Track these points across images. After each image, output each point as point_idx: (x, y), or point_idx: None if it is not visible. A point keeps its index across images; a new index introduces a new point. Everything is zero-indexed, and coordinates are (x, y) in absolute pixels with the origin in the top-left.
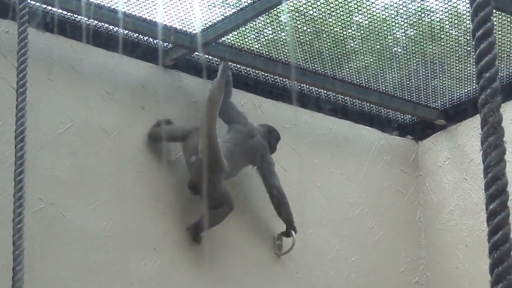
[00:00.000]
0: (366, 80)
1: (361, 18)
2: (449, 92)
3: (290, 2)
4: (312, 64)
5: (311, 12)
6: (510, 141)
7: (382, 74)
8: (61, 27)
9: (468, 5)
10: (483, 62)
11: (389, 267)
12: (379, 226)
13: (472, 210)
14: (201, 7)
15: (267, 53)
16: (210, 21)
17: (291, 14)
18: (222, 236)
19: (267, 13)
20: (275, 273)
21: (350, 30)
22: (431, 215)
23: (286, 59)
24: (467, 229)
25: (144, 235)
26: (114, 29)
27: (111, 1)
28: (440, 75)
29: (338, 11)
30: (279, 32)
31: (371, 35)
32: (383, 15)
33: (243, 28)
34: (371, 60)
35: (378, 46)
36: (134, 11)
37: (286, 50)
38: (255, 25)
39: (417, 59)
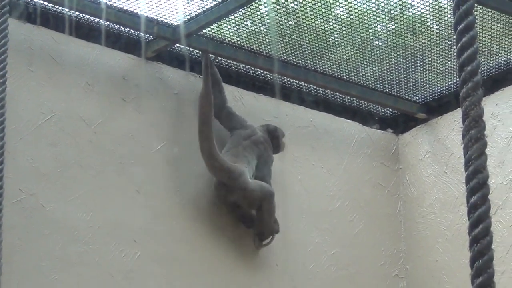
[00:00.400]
0: (347, 73)
1: (342, 11)
2: (430, 85)
3: None
4: (294, 57)
5: (292, 5)
6: (491, 135)
7: (363, 67)
8: (42, 18)
9: None
10: (465, 55)
11: (369, 260)
12: (359, 219)
13: (452, 203)
14: None
15: (248, 46)
16: (192, 13)
17: (272, 7)
18: (202, 228)
19: (248, 5)
20: (254, 265)
21: (331, 23)
22: (411, 208)
23: (267, 51)
24: (447, 222)
25: (124, 227)
26: (95, 20)
27: None
28: (421, 69)
29: (318, 4)
30: (260, 24)
31: (352, 28)
32: (364, 8)
33: (225, 20)
34: (352, 53)
35: (359, 40)
36: (115, 3)
37: (267, 43)
38: (237, 17)
39: (398, 53)
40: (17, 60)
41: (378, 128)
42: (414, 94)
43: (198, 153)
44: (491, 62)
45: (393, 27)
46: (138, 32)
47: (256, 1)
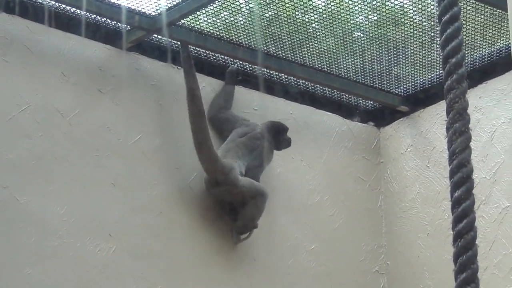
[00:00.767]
0: (328, 65)
1: (323, 2)
2: (412, 78)
3: None
4: (274, 49)
5: None
6: (474, 128)
7: (344, 59)
8: (19, 8)
9: None
10: (450, 47)
11: (349, 255)
12: (339, 213)
13: (434, 198)
14: None
15: (228, 37)
16: (170, 3)
17: None
18: (179, 222)
19: None
20: (232, 261)
21: (311, 14)
22: (392, 203)
23: (247, 43)
24: (429, 217)
25: (99, 221)
26: (72, 10)
27: None
28: (403, 61)
29: None
30: (239, 15)
31: (333, 19)
32: None
33: (203, 11)
34: (333, 44)
35: (340, 31)
36: None
37: (246, 34)
38: (215, 7)
39: (380, 44)
40: None
41: (359, 121)
42: (396, 86)
43: (176, 146)
44: (474, 54)
45: (375, 18)
46: (115, 23)
47: None
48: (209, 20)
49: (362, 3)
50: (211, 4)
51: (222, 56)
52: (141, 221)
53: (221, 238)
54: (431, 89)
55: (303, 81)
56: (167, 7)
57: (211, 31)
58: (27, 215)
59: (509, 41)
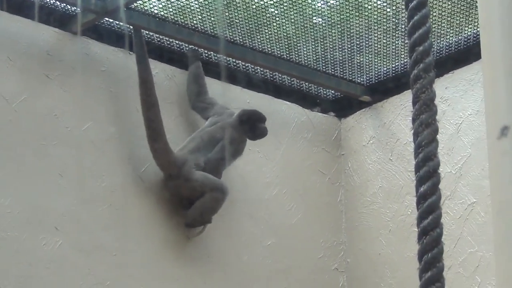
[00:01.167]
0: (288, 53)
1: None
2: (375, 67)
3: None
4: (231, 34)
5: None
6: (440, 120)
7: (304, 46)
8: None
9: None
10: (417, 34)
11: (307, 252)
12: (297, 208)
13: (397, 193)
14: None
15: (183, 22)
16: None
17: None
18: (130, 215)
19: None
20: (184, 257)
21: None
22: (353, 197)
23: (202, 28)
24: (391, 213)
25: (45, 213)
26: None
27: None
28: (366, 49)
29: None
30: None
31: (291, 4)
32: None
33: None
34: (292, 31)
35: (299, 16)
36: None
37: (202, 19)
38: None
39: (341, 31)
40: None
41: (320, 111)
42: (359, 75)
43: (127, 135)
44: (440, 43)
45: (335, 2)
46: (65, 5)
47: None
48: (162, 4)
49: None
50: None
51: (177, 42)
52: (89, 214)
53: (174, 233)
54: (395, 78)
55: (261, 69)
56: None
57: (165, 15)
58: None
59: (478, 29)
